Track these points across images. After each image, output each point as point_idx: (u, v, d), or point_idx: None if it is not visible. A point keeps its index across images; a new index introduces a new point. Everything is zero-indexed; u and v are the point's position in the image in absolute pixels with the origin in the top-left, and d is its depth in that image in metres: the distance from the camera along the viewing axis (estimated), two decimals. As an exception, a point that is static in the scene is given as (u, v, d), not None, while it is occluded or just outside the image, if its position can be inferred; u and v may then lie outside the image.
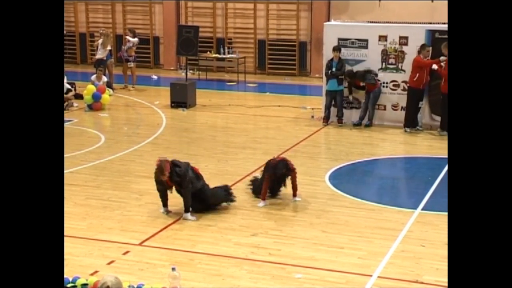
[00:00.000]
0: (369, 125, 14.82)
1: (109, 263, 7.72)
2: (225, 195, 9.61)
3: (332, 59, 14.82)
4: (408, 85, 14.42)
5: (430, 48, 14.16)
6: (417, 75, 14.12)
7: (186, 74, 18.06)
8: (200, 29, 18.01)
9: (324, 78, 15.15)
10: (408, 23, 15.88)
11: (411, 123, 14.42)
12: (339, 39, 15.02)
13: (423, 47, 14.14)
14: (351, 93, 15.05)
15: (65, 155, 10.90)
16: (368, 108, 14.81)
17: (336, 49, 14.75)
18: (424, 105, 14.59)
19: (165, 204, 9.34)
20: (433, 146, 13.34)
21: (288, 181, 9.80)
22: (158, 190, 9.30)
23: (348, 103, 15.17)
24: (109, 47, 19.04)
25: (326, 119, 15.13)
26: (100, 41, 19.10)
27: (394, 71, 14.78)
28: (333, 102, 15.03)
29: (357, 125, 14.86)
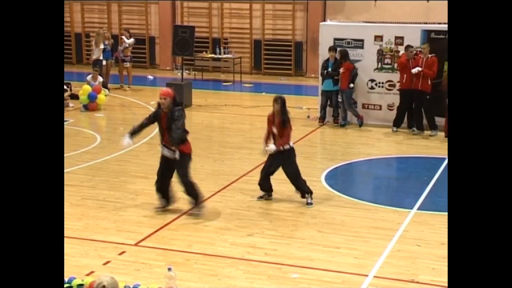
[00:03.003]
0: (344, 125, 14.79)
1: (105, 264, 7.71)
2: (195, 194, 9.24)
3: (328, 59, 14.83)
4: (399, 87, 14.40)
5: (414, 48, 14.10)
6: (405, 76, 14.12)
7: (182, 74, 18.06)
8: (196, 29, 17.99)
9: (320, 78, 15.17)
10: (403, 23, 15.91)
11: (398, 123, 14.44)
12: (335, 39, 15.03)
13: (407, 48, 14.15)
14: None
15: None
16: (346, 108, 14.82)
17: (332, 49, 14.75)
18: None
19: (132, 134, 9.32)
20: (428, 146, 13.36)
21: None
22: (148, 119, 9.36)
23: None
24: (102, 46, 18.83)
25: (322, 119, 15.14)
26: (94, 41, 19.08)
27: (390, 71, 14.80)
28: (328, 102, 15.05)
29: (343, 125, 14.85)
